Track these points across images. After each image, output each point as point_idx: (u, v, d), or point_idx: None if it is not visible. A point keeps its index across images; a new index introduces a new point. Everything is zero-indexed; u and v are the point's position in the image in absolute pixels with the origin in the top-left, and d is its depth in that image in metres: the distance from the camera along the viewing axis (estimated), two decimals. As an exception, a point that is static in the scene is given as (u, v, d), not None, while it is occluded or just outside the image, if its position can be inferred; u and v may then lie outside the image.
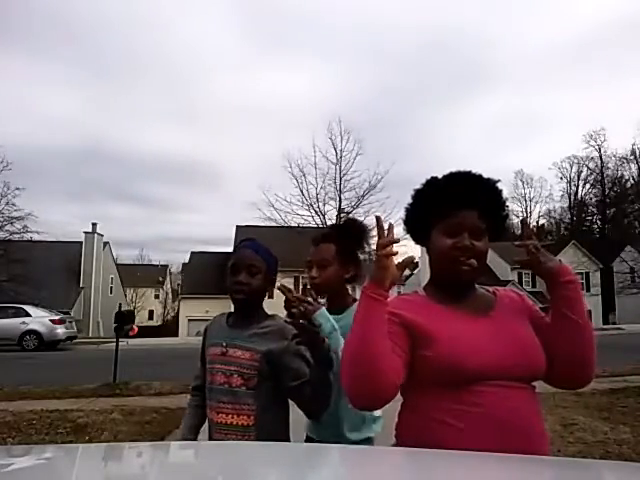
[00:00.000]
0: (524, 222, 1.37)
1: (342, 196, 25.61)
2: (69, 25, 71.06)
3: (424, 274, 20.50)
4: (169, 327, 37.18)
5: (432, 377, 1.20)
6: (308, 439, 1.88)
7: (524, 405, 1.23)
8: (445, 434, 1.18)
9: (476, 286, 1.39)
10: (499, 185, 1.38)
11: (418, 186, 1.41)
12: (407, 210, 1.43)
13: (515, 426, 1.18)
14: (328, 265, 1.83)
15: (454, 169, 1.38)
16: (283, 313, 1.76)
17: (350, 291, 1.94)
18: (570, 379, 1.32)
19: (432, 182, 1.38)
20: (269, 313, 1.75)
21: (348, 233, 1.89)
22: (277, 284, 1.80)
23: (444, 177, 1.37)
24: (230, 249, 31.36)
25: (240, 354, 1.64)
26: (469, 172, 1.37)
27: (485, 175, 1.38)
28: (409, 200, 1.44)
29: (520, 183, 52.75)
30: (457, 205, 1.29)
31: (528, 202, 52.74)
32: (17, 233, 23.52)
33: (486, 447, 1.12)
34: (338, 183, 25.78)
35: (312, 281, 1.84)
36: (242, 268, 1.69)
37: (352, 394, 1.21)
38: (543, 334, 1.29)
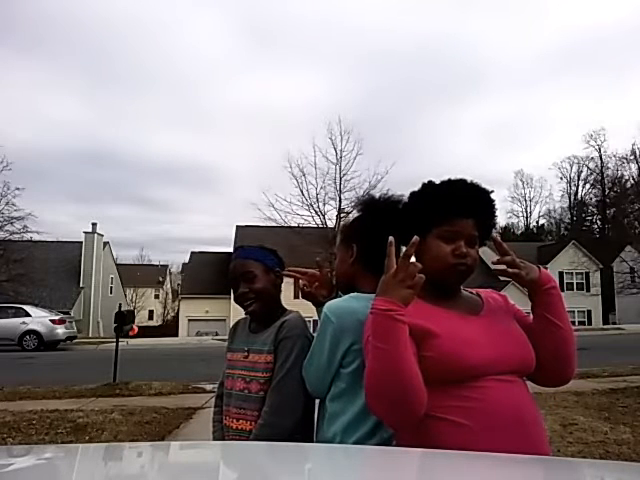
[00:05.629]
0: (496, 239, 1.37)
1: (342, 196, 25.37)
2: (72, 30, 71.23)
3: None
4: (169, 327, 37.17)
5: (434, 377, 1.21)
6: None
7: (525, 398, 1.27)
8: (452, 433, 1.19)
9: (461, 288, 1.43)
10: (492, 195, 1.43)
11: (415, 189, 1.43)
12: (404, 213, 1.45)
13: (521, 418, 1.21)
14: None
15: (452, 173, 1.41)
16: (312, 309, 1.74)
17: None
18: (552, 377, 1.39)
19: (431, 188, 1.40)
20: (289, 309, 1.73)
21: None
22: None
23: (443, 184, 1.39)
24: (230, 249, 31.38)
25: (257, 358, 1.63)
26: (467, 181, 1.40)
27: (482, 183, 1.41)
28: (406, 203, 1.46)
29: (520, 183, 52.94)
30: (457, 214, 1.34)
31: (528, 202, 52.90)
32: (17, 233, 23.42)
33: (494, 442, 1.14)
34: (338, 183, 25.56)
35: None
36: (238, 280, 1.68)
37: (389, 419, 1.24)
38: (527, 334, 1.34)
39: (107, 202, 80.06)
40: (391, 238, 1.24)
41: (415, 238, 1.22)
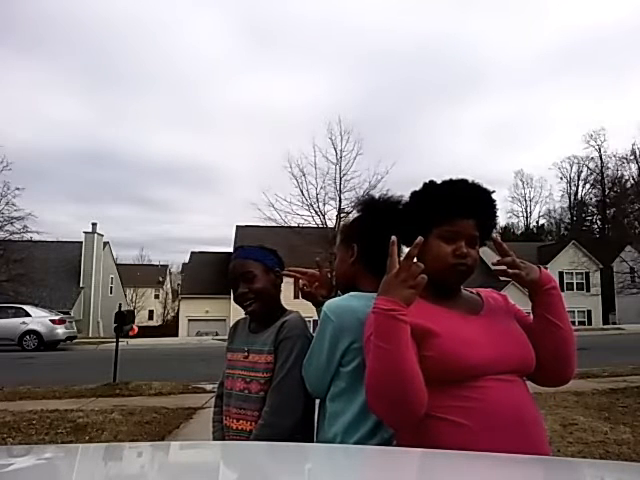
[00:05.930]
0: (496, 240, 1.38)
1: (342, 196, 25.35)
2: (72, 30, 71.29)
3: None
4: (169, 327, 37.16)
5: (434, 376, 1.21)
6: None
7: (525, 398, 1.27)
8: (452, 433, 1.19)
9: (461, 288, 1.43)
10: (493, 196, 1.43)
11: (416, 189, 1.44)
12: (405, 212, 1.45)
13: (521, 419, 1.22)
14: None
15: (452, 173, 1.42)
16: (312, 310, 1.74)
17: None
18: (552, 377, 1.39)
19: (432, 188, 1.41)
20: (289, 309, 1.73)
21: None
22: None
23: (445, 184, 1.40)
24: (230, 249, 31.38)
25: (257, 359, 1.63)
26: (468, 181, 1.40)
27: (483, 183, 1.42)
28: (407, 202, 1.47)
29: (520, 183, 52.95)
30: (458, 214, 1.34)
31: (528, 202, 52.91)
32: (17, 233, 23.38)
33: (494, 442, 1.15)
34: (338, 183, 25.54)
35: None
36: (238, 280, 1.68)
37: (389, 419, 1.24)
38: (527, 334, 1.35)
39: (107, 202, 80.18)
40: (394, 237, 1.24)
41: (419, 239, 1.23)
